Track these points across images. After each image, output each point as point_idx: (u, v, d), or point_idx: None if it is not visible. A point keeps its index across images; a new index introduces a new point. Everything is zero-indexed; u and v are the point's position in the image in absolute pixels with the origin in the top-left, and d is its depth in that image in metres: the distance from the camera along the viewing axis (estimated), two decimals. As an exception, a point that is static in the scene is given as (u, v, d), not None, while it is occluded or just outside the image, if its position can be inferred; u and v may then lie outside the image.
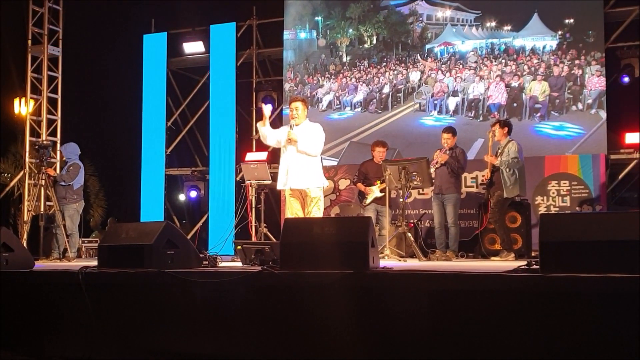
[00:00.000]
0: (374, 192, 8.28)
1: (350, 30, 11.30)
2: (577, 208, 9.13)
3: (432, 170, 7.81)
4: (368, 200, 8.35)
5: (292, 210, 6.51)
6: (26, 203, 11.10)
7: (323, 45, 11.48)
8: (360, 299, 4.11)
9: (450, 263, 6.91)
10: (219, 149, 11.80)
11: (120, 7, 13.53)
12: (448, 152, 7.92)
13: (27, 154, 11.77)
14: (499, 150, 7.67)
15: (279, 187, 6.64)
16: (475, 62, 10.43)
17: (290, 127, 6.49)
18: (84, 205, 8.80)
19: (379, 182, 8.19)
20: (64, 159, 8.96)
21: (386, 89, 10.93)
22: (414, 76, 10.77)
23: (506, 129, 7.77)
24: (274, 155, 11.42)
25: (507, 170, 7.51)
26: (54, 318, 4.94)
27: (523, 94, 10.04)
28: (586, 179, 9.33)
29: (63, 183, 8.45)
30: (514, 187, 7.53)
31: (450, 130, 8.16)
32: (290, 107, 6.63)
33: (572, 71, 9.78)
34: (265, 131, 6.64)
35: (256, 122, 11.91)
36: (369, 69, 11.12)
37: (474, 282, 3.91)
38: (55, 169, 8.53)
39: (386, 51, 11.03)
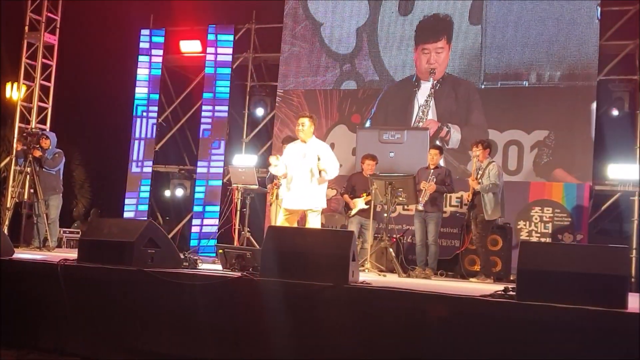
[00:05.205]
0: (359, 204, 8.26)
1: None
2: (559, 236, 9.19)
3: (420, 200, 7.81)
4: (353, 212, 8.36)
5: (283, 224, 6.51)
6: (10, 189, 11.03)
7: (319, 54, 11.46)
8: (338, 312, 4.14)
9: (429, 281, 6.93)
10: (208, 149, 11.80)
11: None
12: (433, 179, 7.91)
13: (15, 139, 11.69)
14: (480, 172, 7.69)
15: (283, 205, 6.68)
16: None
17: (318, 158, 6.40)
18: None
19: (364, 194, 8.18)
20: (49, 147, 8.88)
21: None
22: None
23: (488, 150, 7.85)
24: (262, 161, 11.44)
25: (487, 194, 7.56)
26: (30, 308, 4.91)
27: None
28: (569, 208, 9.40)
29: (46, 168, 8.40)
30: (494, 210, 7.57)
31: (438, 147, 8.26)
32: (297, 122, 6.65)
33: (564, 100, 9.84)
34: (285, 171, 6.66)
35: (248, 125, 11.99)
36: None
37: (450, 304, 3.95)
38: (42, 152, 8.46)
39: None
